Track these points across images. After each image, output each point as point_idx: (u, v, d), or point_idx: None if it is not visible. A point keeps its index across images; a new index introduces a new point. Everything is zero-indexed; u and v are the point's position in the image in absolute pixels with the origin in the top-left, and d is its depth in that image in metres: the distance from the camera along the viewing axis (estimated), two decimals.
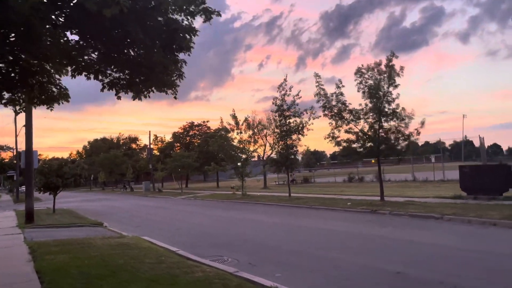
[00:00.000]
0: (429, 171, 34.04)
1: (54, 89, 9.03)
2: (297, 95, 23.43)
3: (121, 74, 7.93)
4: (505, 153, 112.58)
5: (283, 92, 23.32)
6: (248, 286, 6.07)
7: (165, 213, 21.02)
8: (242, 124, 29.50)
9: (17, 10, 5.09)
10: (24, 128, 17.15)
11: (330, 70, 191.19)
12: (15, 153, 49.02)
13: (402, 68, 17.38)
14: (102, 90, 7.80)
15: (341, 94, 18.06)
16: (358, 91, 17.61)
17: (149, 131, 58.12)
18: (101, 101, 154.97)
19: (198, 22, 6.98)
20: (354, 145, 17.97)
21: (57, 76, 8.96)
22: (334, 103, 18.08)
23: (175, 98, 7.83)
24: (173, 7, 6.44)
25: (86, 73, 7.75)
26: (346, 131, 18.00)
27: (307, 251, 9.10)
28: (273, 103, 23.80)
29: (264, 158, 33.74)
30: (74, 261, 8.00)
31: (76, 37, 7.12)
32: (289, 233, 12.12)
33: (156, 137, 63.01)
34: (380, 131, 17.40)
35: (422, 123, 17.06)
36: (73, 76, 7.67)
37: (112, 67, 7.77)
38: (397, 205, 16.11)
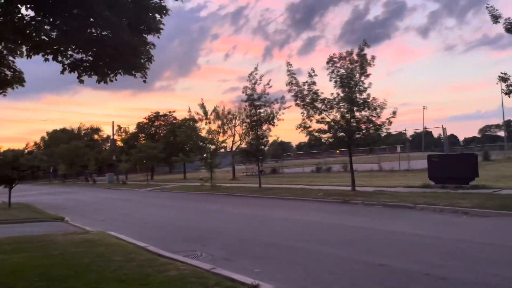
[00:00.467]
0: (394, 161, 34.73)
1: (7, 72, 8.22)
2: (268, 84, 23.02)
3: (84, 55, 7.21)
4: (461, 143, 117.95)
5: (253, 81, 22.86)
6: (228, 284, 5.63)
7: (132, 206, 20.17)
8: (211, 114, 28.79)
9: None
10: None
11: (296, 61, 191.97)
12: None
13: (373, 57, 17.36)
14: (62, 72, 7.06)
15: (313, 83, 17.85)
16: (330, 80, 17.46)
17: (112, 121, 56.24)
18: (60, 90, 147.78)
19: (168, 2, 6.39)
20: (326, 135, 17.84)
21: (10, 58, 8.16)
22: (306, 92, 17.84)
23: (144, 82, 7.21)
24: None
25: (44, 54, 6.98)
26: (318, 121, 17.84)
27: (284, 244, 8.76)
28: (243, 92, 23.32)
29: (233, 149, 33.20)
30: (31, 261, 7.28)
31: (31, 13, 6.37)
32: (263, 225, 11.77)
33: (119, 127, 60.69)
34: (352, 120, 17.33)
35: (394, 113, 17.16)
36: (28, 56, 6.91)
37: (74, 47, 7.04)
38: (369, 194, 16.13)
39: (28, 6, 6.20)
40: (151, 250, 8.48)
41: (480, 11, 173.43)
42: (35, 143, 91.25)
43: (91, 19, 6.41)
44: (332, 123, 17.58)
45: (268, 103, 22.99)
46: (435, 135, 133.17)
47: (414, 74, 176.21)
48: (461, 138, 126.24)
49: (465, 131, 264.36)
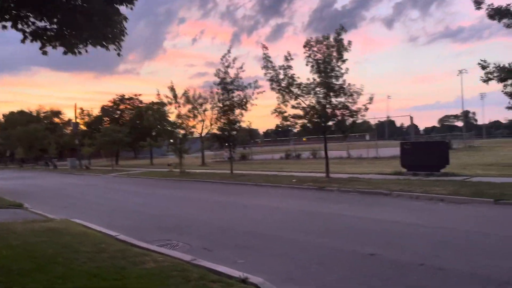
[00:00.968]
0: (362, 149, 35.17)
1: None
2: (241, 68, 22.38)
3: (48, 24, 6.39)
4: (422, 132, 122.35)
5: (226, 64, 22.15)
6: (214, 278, 5.16)
7: (97, 192, 19.19)
8: (181, 98, 27.81)
9: None
10: None
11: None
12: None
13: (350, 42, 17.12)
14: (23, 41, 6.23)
15: (290, 67, 17.43)
16: (306, 64, 17.10)
17: (75, 103, 53.94)
18: (16, 70, 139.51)
19: None
20: (301, 121, 17.53)
21: None
22: (282, 76, 17.41)
23: (118, 55, 6.49)
24: None
25: (1, 19, 6.13)
26: (294, 106, 17.49)
27: (265, 233, 8.37)
28: (215, 75, 22.56)
29: (203, 135, 32.40)
30: None
31: None
32: (240, 213, 11.34)
33: (82, 110, 58.12)
34: (328, 106, 17.09)
35: (371, 99, 17.06)
36: None
37: (37, 14, 6.23)
38: (343, 181, 16.03)
39: None
40: (122, 239, 7.86)
41: (444, 3, 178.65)
42: None
43: None
44: (308, 109, 17.27)
45: (241, 87, 22.40)
46: (398, 124, 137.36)
47: (380, 64, 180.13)
48: (421, 128, 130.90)
49: (425, 120, 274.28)
